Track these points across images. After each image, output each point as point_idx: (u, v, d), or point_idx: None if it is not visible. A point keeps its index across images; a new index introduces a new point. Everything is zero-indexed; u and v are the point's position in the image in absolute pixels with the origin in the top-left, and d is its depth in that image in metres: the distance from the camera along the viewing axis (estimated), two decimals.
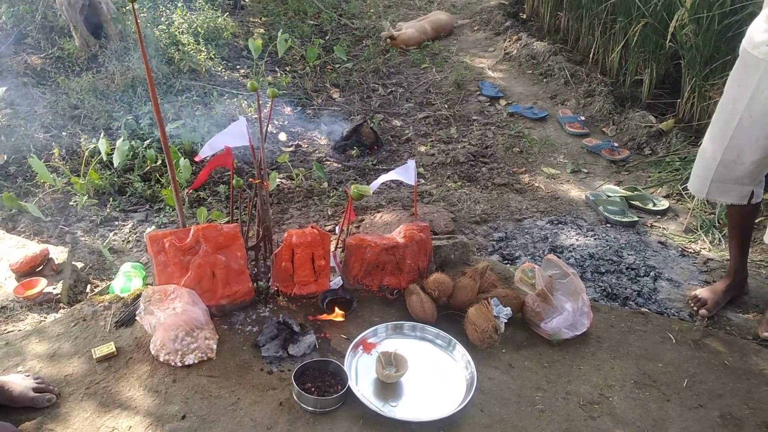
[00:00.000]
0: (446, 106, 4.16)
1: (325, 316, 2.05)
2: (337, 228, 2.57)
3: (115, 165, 2.92)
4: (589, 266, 2.60)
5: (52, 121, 3.43)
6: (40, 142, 3.26)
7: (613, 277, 2.54)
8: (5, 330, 2.04)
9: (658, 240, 2.81)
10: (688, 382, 1.92)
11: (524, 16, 5.65)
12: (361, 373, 1.84)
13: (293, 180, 3.25)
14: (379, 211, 2.84)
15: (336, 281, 2.21)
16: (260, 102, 2.06)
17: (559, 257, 2.42)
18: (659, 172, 3.34)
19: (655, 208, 3.01)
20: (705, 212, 2.96)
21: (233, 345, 1.92)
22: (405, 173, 2.17)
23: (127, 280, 2.29)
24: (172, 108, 3.53)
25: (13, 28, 4.36)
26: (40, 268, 2.31)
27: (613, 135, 3.79)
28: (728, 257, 2.45)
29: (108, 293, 2.21)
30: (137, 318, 1.88)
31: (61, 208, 2.91)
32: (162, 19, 4.45)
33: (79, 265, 2.50)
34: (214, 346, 1.87)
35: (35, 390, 1.69)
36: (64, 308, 2.19)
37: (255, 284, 2.10)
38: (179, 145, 3.19)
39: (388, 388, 1.81)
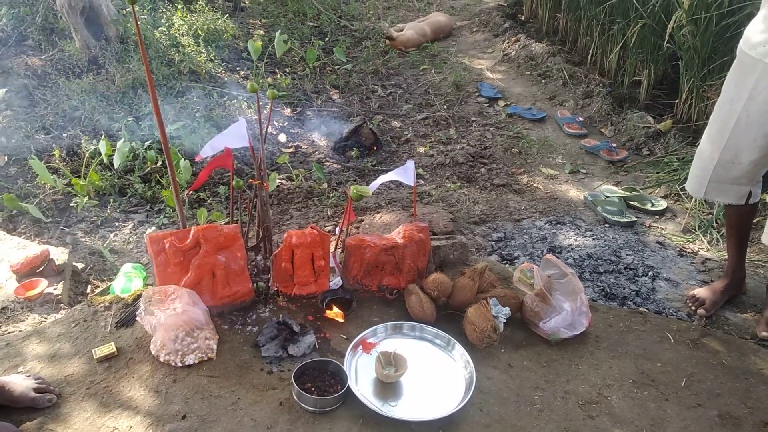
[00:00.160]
0: (445, 107, 4.17)
1: (327, 314, 2.06)
2: (336, 228, 2.58)
3: (116, 166, 2.92)
4: (588, 266, 2.61)
5: (53, 123, 3.44)
6: (40, 143, 3.27)
7: (612, 277, 2.55)
8: (6, 331, 2.05)
9: (656, 240, 2.82)
10: (686, 381, 1.93)
11: (523, 18, 5.66)
12: (360, 373, 1.85)
13: (293, 181, 3.25)
14: (378, 212, 2.84)
15: (336, 281, 2.21)
16: (260, 103, 2.06)
17: (558, 257, 2.42)
18: (657, 173, 3.35)
19: (653, 209, 3.02)
20: (703, 212, 2.97)
21: (233, 345, 1.93)
22: (404, 174, 2.17)
23: (127, 280, 2.30)
24: (172, 109, 3.54)
25: (13, 30, 4.37)
26: (41, 269, 2.32)
27: (611, 136, 3.80)
28: (726, 257, 2.45)
29: (108, 294, 2.21)
30: (137, 318, 1.89)
31: (62, 209, 2.92)
32: (162, 21, 4.45)
33: (80, 265, 2.50)
34: (215, 347, 1.88)
35: (36, 390, 1.69)
36: (64, 309, 2.19)
37: (255, 285, 2.11)
38: (179, 147, 3.19)
39: (387, 388, 1.81)
